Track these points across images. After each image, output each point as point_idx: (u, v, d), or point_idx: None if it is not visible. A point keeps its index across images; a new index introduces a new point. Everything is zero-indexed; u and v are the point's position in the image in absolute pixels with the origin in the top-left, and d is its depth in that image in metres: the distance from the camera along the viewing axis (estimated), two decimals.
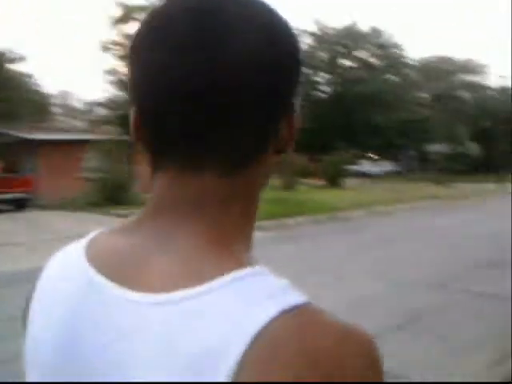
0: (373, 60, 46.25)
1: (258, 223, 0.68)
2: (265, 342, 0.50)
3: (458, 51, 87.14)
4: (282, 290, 0.54)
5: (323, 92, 47.66)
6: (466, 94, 56.80)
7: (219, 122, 0.60)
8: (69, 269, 0.67)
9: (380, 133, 41.42)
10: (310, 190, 27.09)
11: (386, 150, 47.13)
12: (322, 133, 42.22)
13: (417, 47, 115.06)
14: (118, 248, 0.64)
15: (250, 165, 0.64)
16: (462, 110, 53.02)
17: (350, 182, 33.92)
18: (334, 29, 45.74)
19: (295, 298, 0.53)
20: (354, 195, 24.09)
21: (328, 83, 46.99)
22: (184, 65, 0.59)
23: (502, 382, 4.57)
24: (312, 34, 45.56)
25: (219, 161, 0.62)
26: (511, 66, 40.05)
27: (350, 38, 44.57)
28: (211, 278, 0.55)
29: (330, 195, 23.52)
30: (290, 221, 16.13)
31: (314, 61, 46.05)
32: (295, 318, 0.51)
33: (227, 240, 0.61)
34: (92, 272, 0.63)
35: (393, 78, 46.16)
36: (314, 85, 46.97)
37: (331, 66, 45.88)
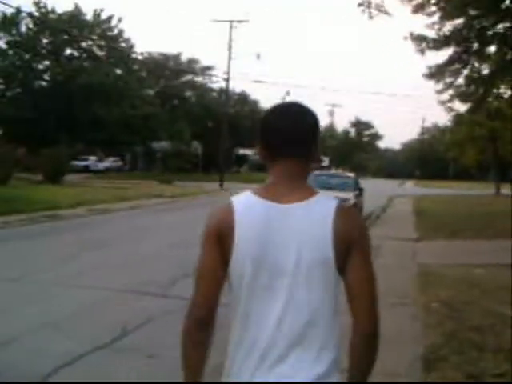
0: (98, 51, 44.69)
1: None
2: (338, 211, 1.73)
3: (184, 50, 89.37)
4: (334, 198, 1.83)
5: (45, 80, 44.83)
6: (190, 93, 58.47)
7: (301, 146, 1.79)
8: (251, 204, 1.75)
9: (104, 127, 40.18)
10: (27, 186, 25.03)
11: (110, 146, 46.12)
12: (43, 124, 39.58)
13: (143, 41, 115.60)
14: (274, 192, 1.75)
15: (309, 162, 1.84)
16: (186, 108, 54.40)
17: (72, 177, 32.40)
18: (55, 13, 43.13)
19: (338, 201, 1.81)
20: (75, 192, 22.87)
21: (50, 71, 44.23)
22: (288, 127, 1.78)
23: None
24: (32, 17, 42.32)
25: (301, 159, 1.79)
26: (227, 70, 42.00)
27: (74, 26, 42.40)
28: (312, 196, 1.76)
29: (49, 192, 21.96)
30: None
31: (35, 47, 43.03)
32: (345, 207, 1.84)
33: (309, 187, 1.81)
34: (261, 197, 1.75)
35: (118, 71, 45.17)
36: (35, 72, 43.89)
37: (54, 54, 43.29)
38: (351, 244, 1.73)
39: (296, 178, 1.78)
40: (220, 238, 1.78)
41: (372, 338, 1.78)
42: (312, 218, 1.72)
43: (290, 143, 1.78)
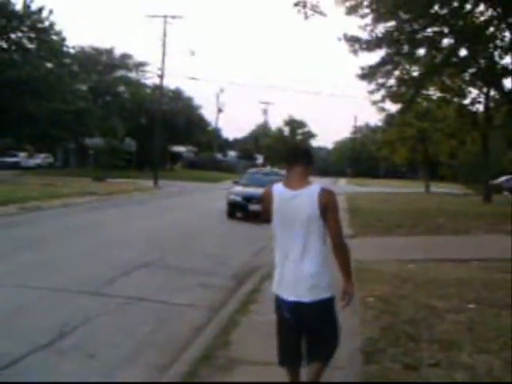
0: (28, 44, 43.20)
1: None
2: (321, 191, 3.69)
3: (117, 45, 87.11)
4: (320, 184, 3.79)
5: None
6: (123, 89, 57.48)
7: (302, 161, 3.88)
8: (278, 187, 3.84)
9: (35, 123, 38.88)
10: None
11: (41, 142, 44.81)
12: None
13: (75, 35, 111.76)
14: (290, 184, 3.80)
15: (309, 166, 3.91)
16: (119, 104, 53.48)
17: (0, 174, 31.35)
18: None
19: (323, 186, 3.76)
20: (5, 189, 22.15)
21: None
22: (296, 151, 4.10)
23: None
24: None
25: (302, 167, 3.83)
26: (161, 67, 41.52)
27: (3, 16, 40.86)
28: (309, 185, 3.74)
29: None
30: None
31: None
32: (324, 189, 3.72)
33: (308, 179, 3.82)
34: (285, 186, 3.81)
35: (48, 64, 43.86)
36: None
37: None
38: (327, 206, 3.68)
39: (301, 177, 3.81)
40: (265, 199, 3.93)
41: (338, 246, 3.75)
42: (308, 196, 3.69)
43: (298, 158, 3.87)
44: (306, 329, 3.86)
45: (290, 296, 3.79)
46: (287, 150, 4.16)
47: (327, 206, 3.68)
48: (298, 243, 3.74)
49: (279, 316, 3.93)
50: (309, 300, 3.73)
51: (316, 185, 3.77)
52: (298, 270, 3.74)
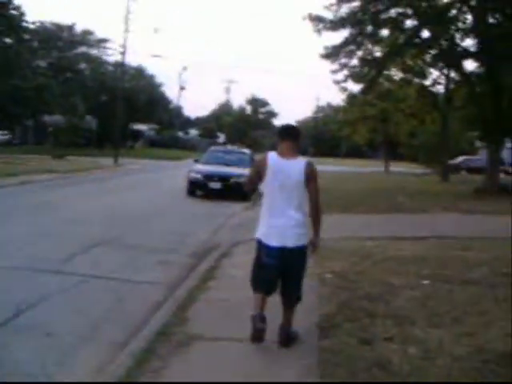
0: None
1: None
2: (306, 164, 4.79)
3: (79, 21, 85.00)
4: (307, 159, 4.93)
5: None
6: (84, 66, 56.39)
7: (292, 137, 4.96)
8: (273, 155, 4.85)
9: None
10: None
11: None
12: None
13: (35, 10, 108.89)
14: (283, 154, 4.83)
15: (297, 141, 4.95)
16: (80, 81, 52.47)
17: None
18: None
19: (308, 159, 4.91)
20: None
21: None
22: (288, 128, 5.15)
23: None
24: None
25: (292, 142, 4.93)
26: (124, 43, 40.85)
27: None
28: (297, 158, 4.82)
29: None
30: None
31: None
32: (309, 162, 4.84)
33: (297, 153, 4.88)
34: (278, 156, 4.84)
35: (7, 40, 42.69)
36: None
37: None
38: (309, 175, 4.71)
39: (291, 150, 4.81)
40: (259, 167, 4.90)
41: (316, 207, 4.78)
42: (297, 165, 4.72)
43: (288, 135, 4.91)
44: (287, 269, 4.78)
45: (276, 243, 4.72)
46: (281, 127, 5.14)
47: (310, 175, 4.72)
48: (288, 200, 4.72)
49: (259, 259, 4.84)
50: (293, 245, 4.71)
51: (303, 159, 4.82)
52: (287, 221, 4.71)
